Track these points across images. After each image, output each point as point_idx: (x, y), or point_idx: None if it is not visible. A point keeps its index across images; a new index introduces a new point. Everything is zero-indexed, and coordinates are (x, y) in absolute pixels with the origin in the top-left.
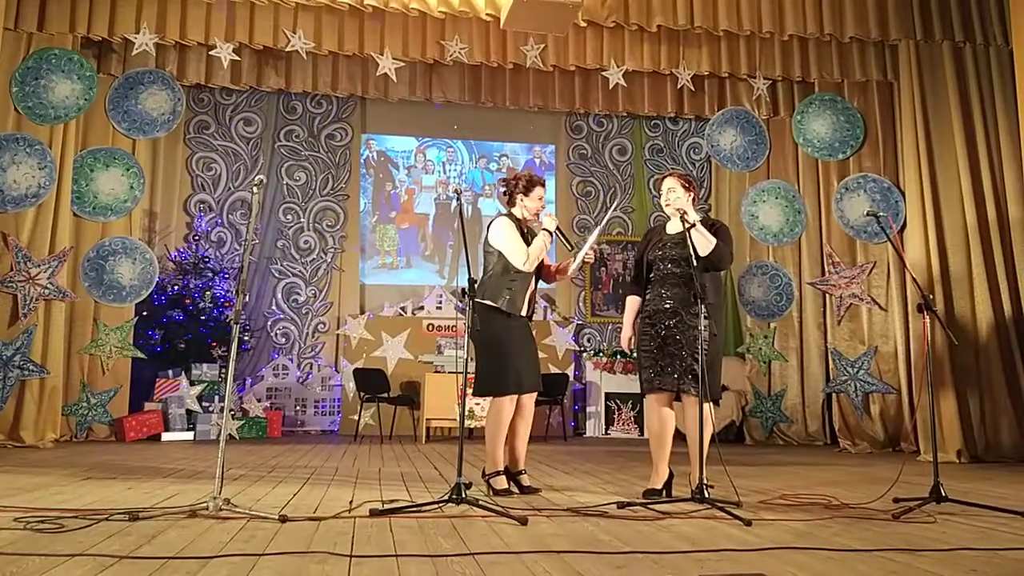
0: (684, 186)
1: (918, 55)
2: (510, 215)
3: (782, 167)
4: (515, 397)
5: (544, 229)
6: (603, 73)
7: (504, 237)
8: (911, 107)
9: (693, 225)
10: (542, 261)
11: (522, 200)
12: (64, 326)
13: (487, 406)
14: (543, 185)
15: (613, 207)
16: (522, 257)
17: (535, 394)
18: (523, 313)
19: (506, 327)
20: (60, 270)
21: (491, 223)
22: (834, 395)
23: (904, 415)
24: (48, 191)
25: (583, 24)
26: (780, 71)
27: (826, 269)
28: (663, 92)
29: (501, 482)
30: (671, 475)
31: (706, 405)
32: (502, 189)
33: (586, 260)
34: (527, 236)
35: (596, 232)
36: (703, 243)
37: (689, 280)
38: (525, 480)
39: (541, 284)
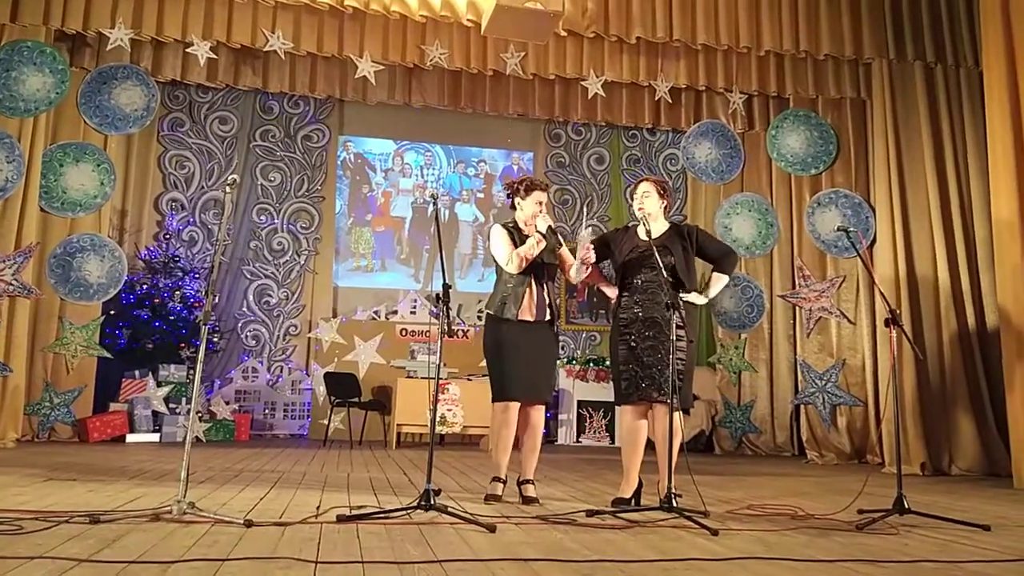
0: (660, 192)
1: (891, 74)
2: (509, 223)
3: (756, 180)
4: (508, 404)
5: (537, 231)
6: (582, 83)
7: (494, 244)
8: (883, 125)
9: (707, 296)
10: (561, 260)
11: (520, 204)
12: (28, 323)
13: (458, 412)
14: (543, 190)
15: (584, 223)
16: (505, 259)
17: (540, 404)
18: (526, 318)
19: (503, 333)
20: (25, 266)
21: (488, 234)
22: (802, 407)
23: (870, 428)
24: (15, 185)
25: (563, 33)
26: (756, 86)
27: (797, 282)
28: (641, 103)
29: (496, 488)
30: (640, 484)
31: (676, 414)
32: (506, 194)
33: (584, 260)
34: (524, 241)
35: (585, 234)
36: (721, 285)
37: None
38: (530, 490)
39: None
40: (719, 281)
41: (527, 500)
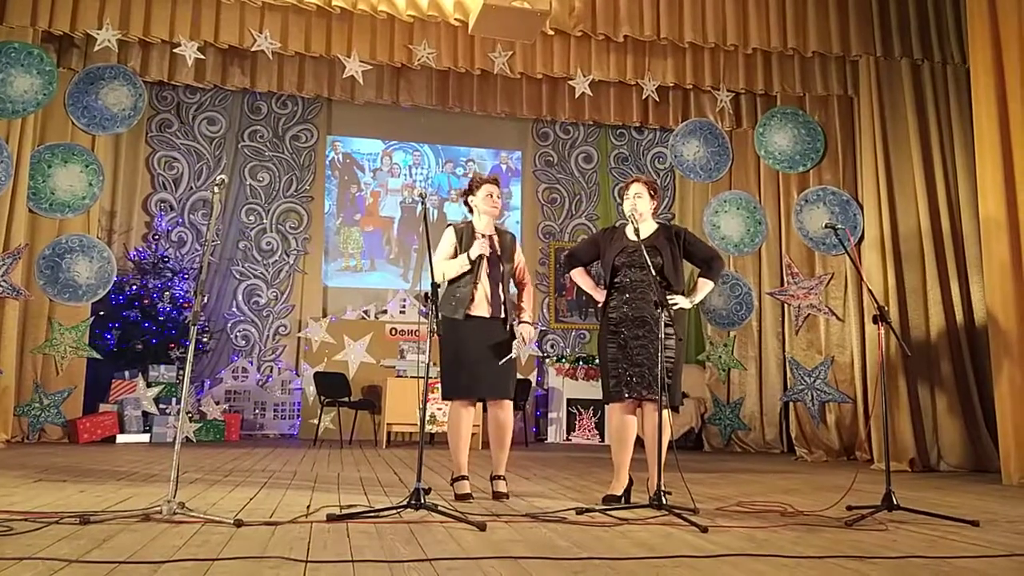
0: (651, 193)
1: (878, 71)
2: (464, 224)
3: (744, 178)
4: (467, 402)
5: (468, 255)
6: (570, 82)
7: (439, 246)
8: (870, 122)
9: (692, 301)
10: (515, 271)
11: (473, 201)
12: (17, 325)
13: (447, 411)
14: (494, 183)
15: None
16: (435, 263)
17: (504, 401)
18: (480, 314)
19: (455, 332)
20: (14, 268)
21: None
22: (791, 404)
23: (859, 424)
24: (3, 187)
25: (550, 32)
26: (743, 84)
27: (785, 280)
28: (628, 102)
29: (461, 487)
30: (631, 482)
31: (665, 411)
32: (462, 201)
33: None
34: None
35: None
36: (707, 291)
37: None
38: (499, 486)
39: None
40: (705, 287)
41: (497, 495)
